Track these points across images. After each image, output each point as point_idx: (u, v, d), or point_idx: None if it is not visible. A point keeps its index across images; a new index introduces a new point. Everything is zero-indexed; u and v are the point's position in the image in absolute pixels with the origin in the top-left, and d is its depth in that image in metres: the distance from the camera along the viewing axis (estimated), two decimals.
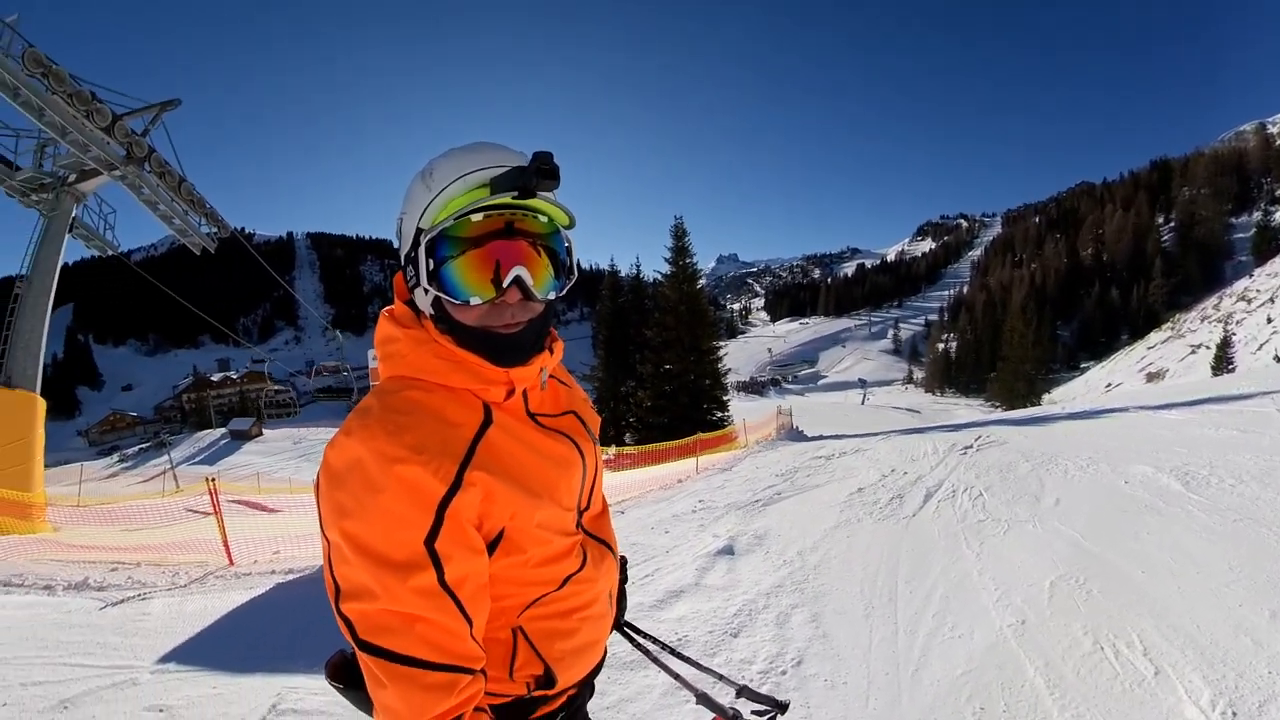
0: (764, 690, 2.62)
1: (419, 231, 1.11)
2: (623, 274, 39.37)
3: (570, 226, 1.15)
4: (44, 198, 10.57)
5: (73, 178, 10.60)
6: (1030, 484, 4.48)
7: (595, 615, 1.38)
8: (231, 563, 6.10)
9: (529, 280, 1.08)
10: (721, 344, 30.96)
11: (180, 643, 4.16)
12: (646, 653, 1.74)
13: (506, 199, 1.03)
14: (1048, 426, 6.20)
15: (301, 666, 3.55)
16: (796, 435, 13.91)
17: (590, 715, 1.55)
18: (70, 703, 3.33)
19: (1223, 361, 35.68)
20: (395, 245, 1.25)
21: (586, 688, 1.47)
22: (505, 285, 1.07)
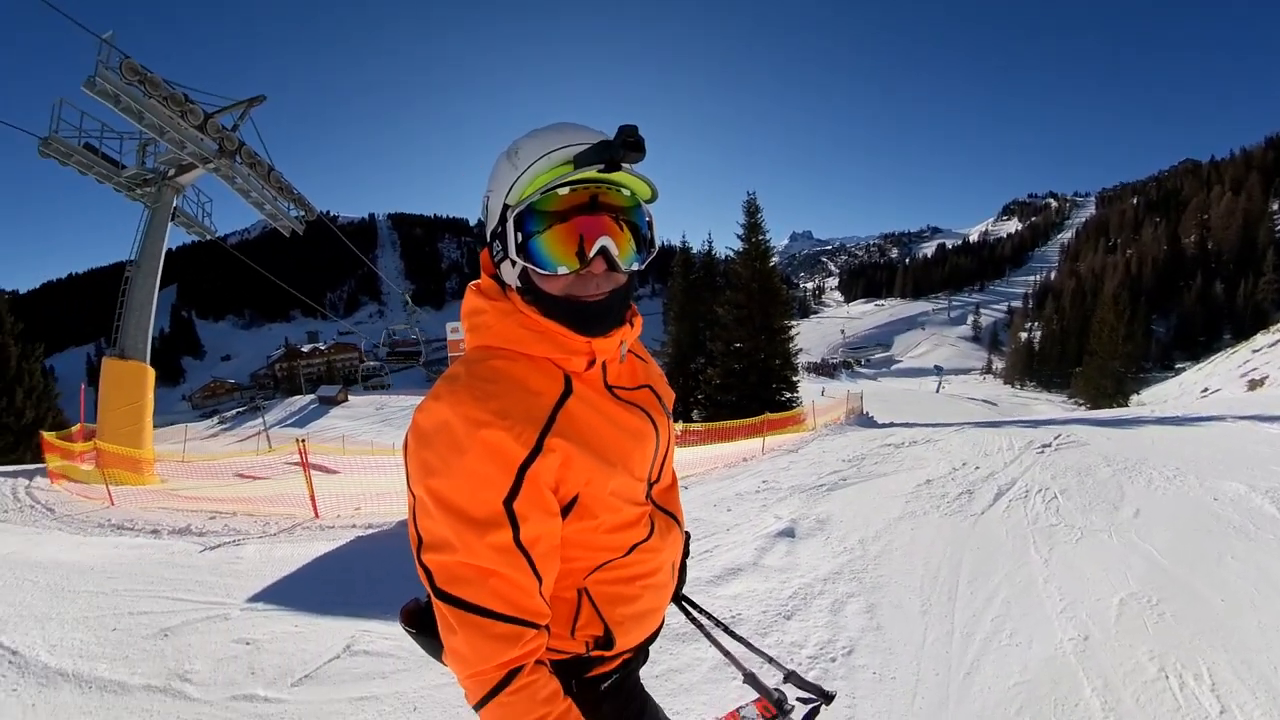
0: (811, 676, 2.65)
1: (506, 208, 1.14)
2: (694, 250, 38.86)
3: (652, 199, 1.17)
4: (148, 191, 11.54)
5: (172, 172, 11.48)
6: (1109, 491, 4.24)
7: (657, 584, 1.42)
8: (317, 516, 6.48)
9: (614, 251, 1.11)
10: (793, 323, 30.15)
11: (267, 585, 4.36)
12: (700, 627, 1.76)
13: (591, 173, 1.05)
14: (1134, 430, 5.79)
15: (374, 613, 3.72)
16: (866, 421, 13.59)
17: (641, 681, 1.60)
18: (170, 631, 3.62)
19: None
20: (480, 222, 1.27)
21: (641, 653, 1.50)
22: (591, 256, 1.09)
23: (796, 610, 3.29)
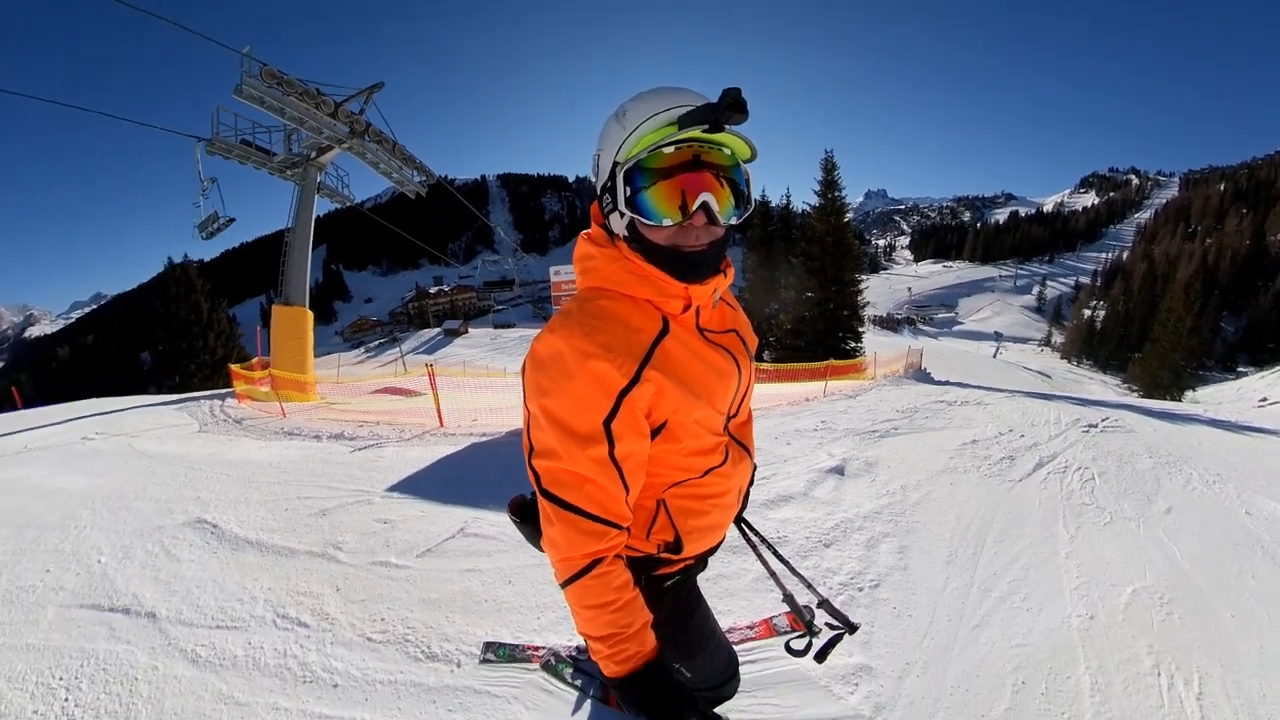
0: (839, 601, 2.72)
1: (615, 165, 1.13)
2: (773, 204, 37.70)
3: (752, 159, 1.14)
4: (296, 171, 12.26)
5: (314, 154, 12.10)
6: (1146, 482, 3.87)
7: (725, 504, 1.45)
8: (442, 425, 6.80)
9: (714, 206, 1.10)
10: (863, 278, 28.72)
11: (402, 479, 4.51)
12: (751, 544, 1.80)
13: (695, 133, 1.03)
14: (1183, 426, 5.21)
15: (484, 504, 3.83)
16: (923, 376, 12.92)
17: (697, 587, 1.66)
18: (327, 512, 3.86)
19: None
20: (589, 178, 1.26)
21: (701, 561, 1.56)
22: (692, 210, 1.08)
23: (836, 540, 3.26)
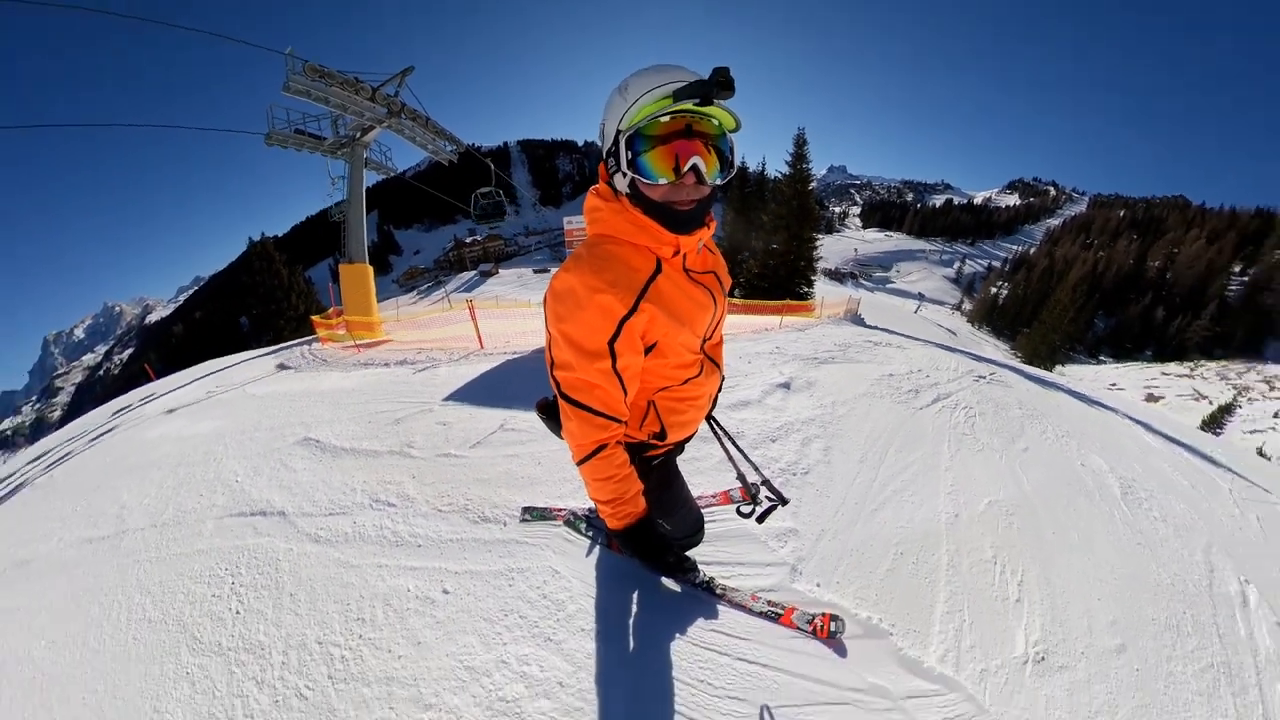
0: (778, 482, 2.82)
1: (619, 132, 1.09)
2: (751, 170, 36.54)
3: (736, 129, 1.09)
4: (344, 151, 11.69)
5: (358, 134, 11.55)
6: (1013, 426, 3.89)
7: (699, 405, 1.51)
8: (482, 346, 6.78)
9: (703, 169, 1.08)
10: (819, 237, 28.15)
11: (454, 390, 4.57)
12: (718, 436, 1.86)
13: (688, 105, 1.00)
14: (1049, 390, 5.14)
15: (517, 405, 3.91)
16: (858, 320, 12.94)
17: (676, 464, 1.74)
18: (400, 420, 3.92)
19: (1215, 422, 26.36)
20: (598, 143, 1.21)
21: (680, 446, 1.63)
22: (684, 172, 1.07)
23: (779, 437, 3.31)
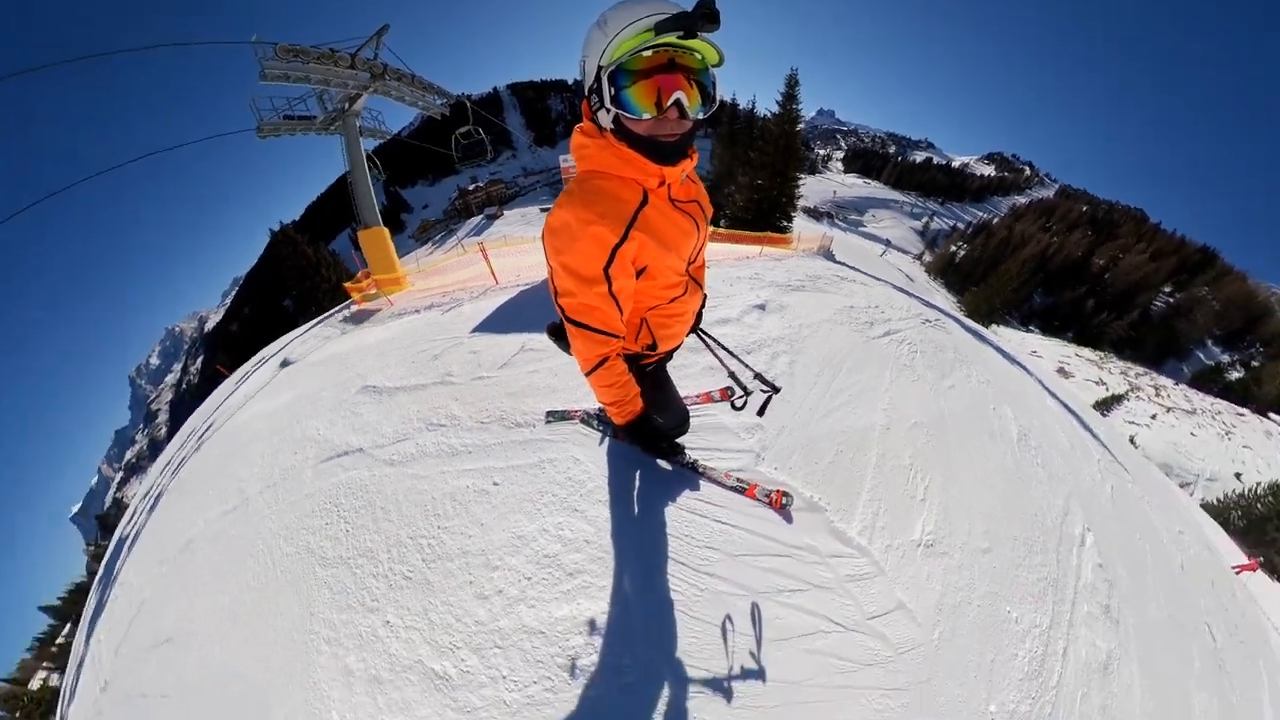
0: (753, 386, 2.90)
1: (600, 68, 0.99)
2: (741, 106, 34.52)
3: (719, 64, 1.00)
4: (337, 125, 10.53)
5: (347, 105, 10.36)
6: (945, 365, 3.91)
7: (685, 320, 1.51)
8: (497, 282, 6.67)
9: (685, 103, 0.99)
10: (802, 177, 26.64)
11: (478, 322, 4.57)
12: (709, 347, 1.89)
13: (671, 39, 0.90)
14: (981, 344, 5.12)
15: (533, 329, 3.91)
16: (829, 256, 12.51)
17: (666, 370, 1.78)
18: (438, 356, 3.96)
19: (1105, 406, 26.77)
20: (580, 80, 1.10)
21: (669, 355, 1.66)
22: (666, 106, 0.98)
23: (753, 350, 3.39)
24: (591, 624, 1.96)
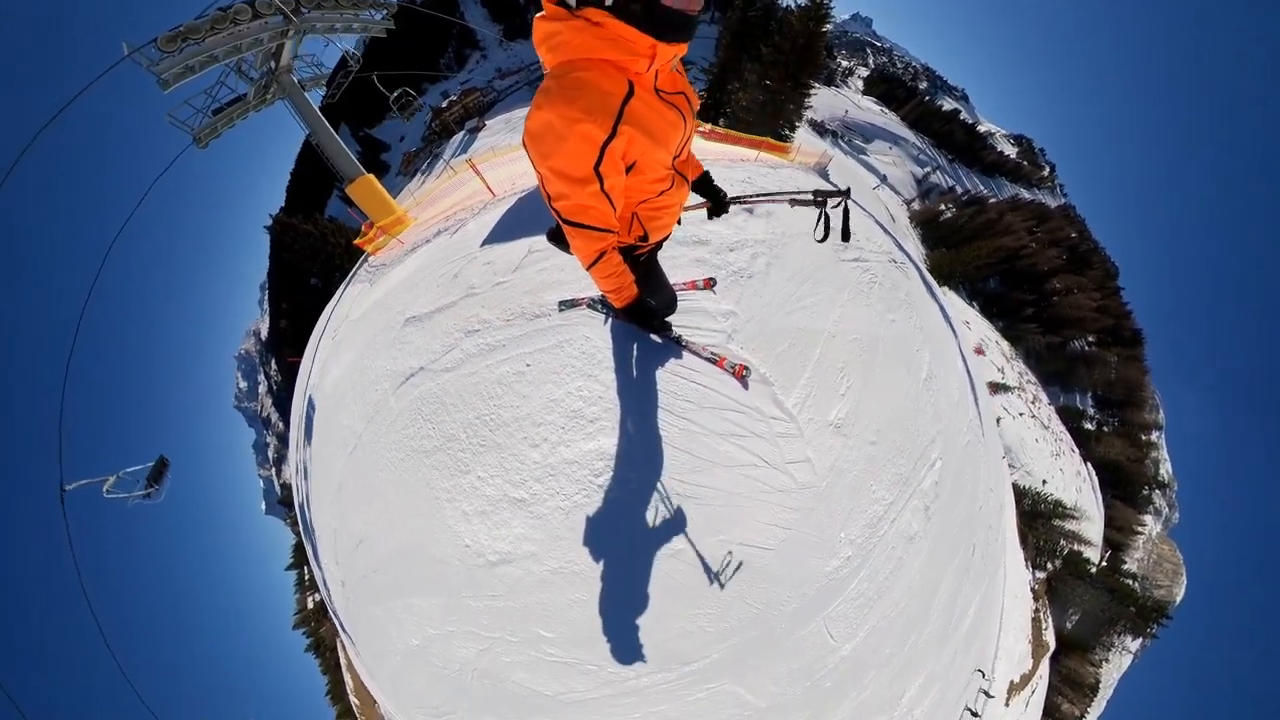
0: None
1: None
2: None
3: None
4: (274, 91, 8.68)
5: (274, 65, 8.37)
6: (894, 302, 4.02)
7: (672, 212, 1.49)
8: (494, 195, 6.21)
9: None
10: (816, 86, 23.00)
11: (485, 235, 4.59)
12: (733, 200, 1.81)
13: None
14: (929, 298, 5.25)
15: (536, 231, 4.01)
16: (824, 174, 11.93)
17: (657, 259, 1.80)
18: (458, 274, 4.14)
19: (996, 389, 30.03)
20: None
21: (659, 245, 1.68)
22: None
23: (737, 248, 3.63)
24: (608, 453, 2.79)
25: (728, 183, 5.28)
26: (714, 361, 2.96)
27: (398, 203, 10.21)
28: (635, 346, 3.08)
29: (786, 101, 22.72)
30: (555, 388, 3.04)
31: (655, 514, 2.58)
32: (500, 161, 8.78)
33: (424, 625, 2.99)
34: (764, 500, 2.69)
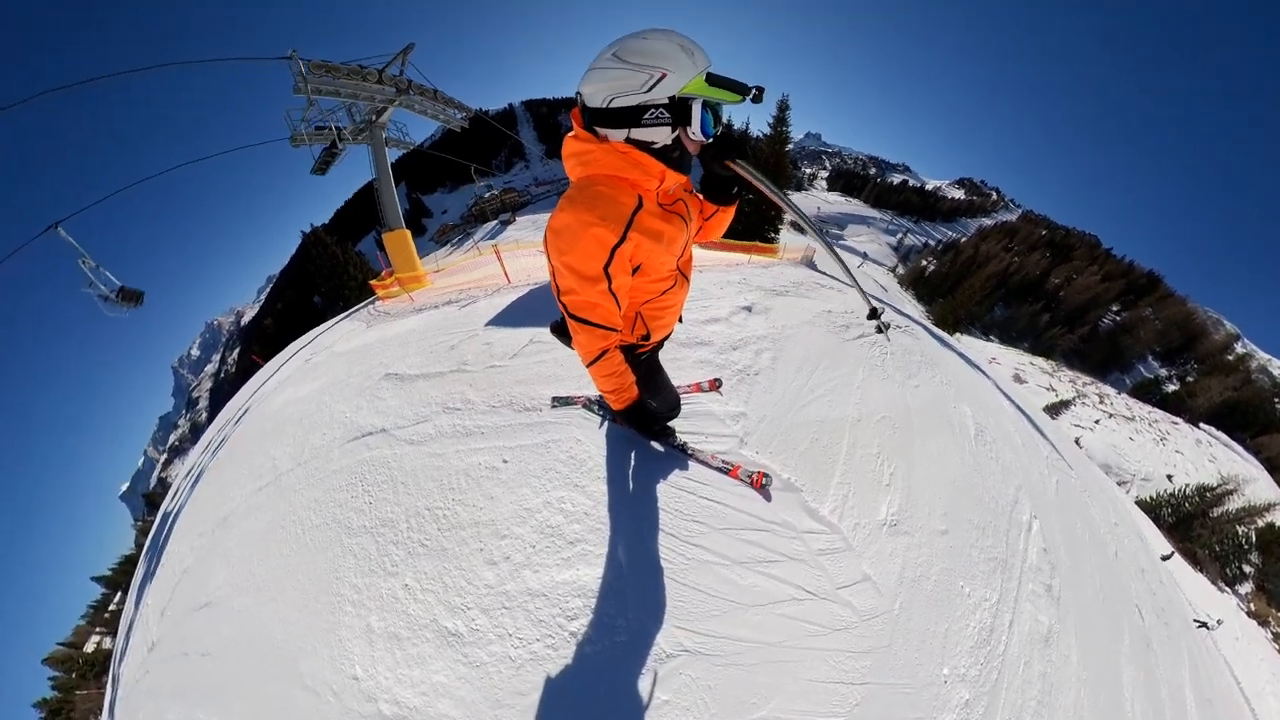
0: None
1: (682, 99, 1.07)
2: (735, 127, 34.40)
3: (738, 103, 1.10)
4: (364, 135, 10.45)
5: (374, 117, 10.30)
6: (912, 367, 3.76)
7: (674, 311, 1.52)
8: (509, 281, 6.51)
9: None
10: (789, 193, 27.36)
11: (492, 317, 4.51)
12: (836, 257, 1.80)
13: (734, 97, 1.04)
14: (945, 349, 4.94)
15: (541, 323, 3.88)
16: (811, 265, 12.45)
17: (659, 359, 1.79)
18: (454, 346, 3.89)
19: (1054, 410, 26.45)
20: (607, 92, 1.08)
21: (660, 345, 1.66)
22: (716, 133, 1.14)
23: (740, 346, 3.36)
24: (589, 588, 1.98)
25: (728, 284, 5.01)
26: (726, 471, 2.34)
27: (422, 263, 10.55)
28: (633, 455, 2.46)
29: (768, 210, 26.15)
30: (532, 494, 2.36)
31: (653, 681, 1.71)
32: (521, 253, 9.13)
33: None
34: (816, 648, 1.83)
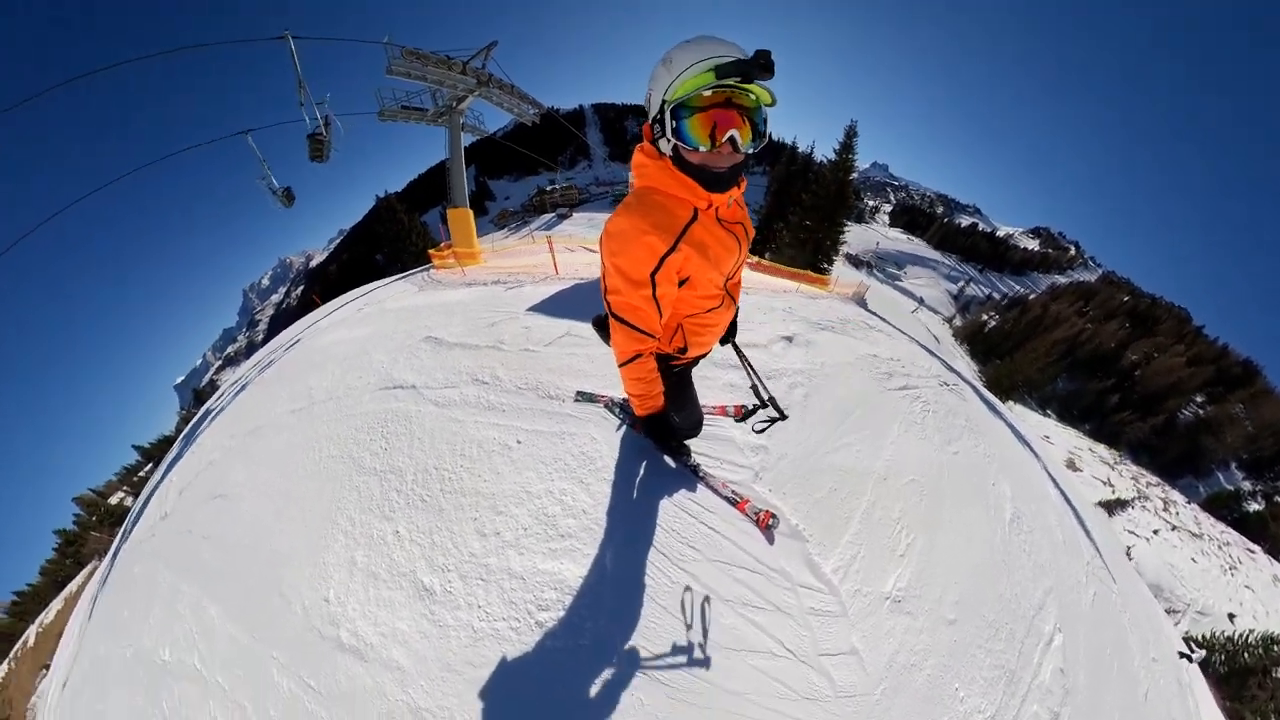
0: (766, 411, 2.62)
1: (664, 102, 1.01)
2: (800, 149, 34.80)
3: (772, 105, 0.99)
4: (443, 118, 11.11)
5: (454, 104, 10.97)
6: (954, 430, 3.41)
7: (715, 331, 1.49)
8: (557, 272, 6.64)
9: (739, 139, 1.00)
10: (848, 224, 25.44)
11: (535, 304, 4.50)
12: (741, 356, 1.87)
13: (730, 83, 0.91)
14: (994, 417, 4.46)
15: (580, 317, 3.88)
16: (862, 303, 11.74)
17: (691, 375, 1.76)
18: (495, 324, 3.95)
19: (1109, 508, 20.90)
20: (645, 108, 1.12)
21: (696, 361, 1.62)
22: (720, 142, 1.00)
23: (774, 377, 3.22)
24: (568, 584, 1.91)
25: (771, 310, 4.91)
26: (734, 503, 2.20)
27: (479, 242, 11.01)
28: (644, 465, 2.37)
29: (824, 239, 24.61)
30: (537, 479, 2.32)
31: (603, 694, 1.62)
32: (573, 248, 9.54)
33: (192, 643, 2.12)
34: (780, 711, 1.66)
